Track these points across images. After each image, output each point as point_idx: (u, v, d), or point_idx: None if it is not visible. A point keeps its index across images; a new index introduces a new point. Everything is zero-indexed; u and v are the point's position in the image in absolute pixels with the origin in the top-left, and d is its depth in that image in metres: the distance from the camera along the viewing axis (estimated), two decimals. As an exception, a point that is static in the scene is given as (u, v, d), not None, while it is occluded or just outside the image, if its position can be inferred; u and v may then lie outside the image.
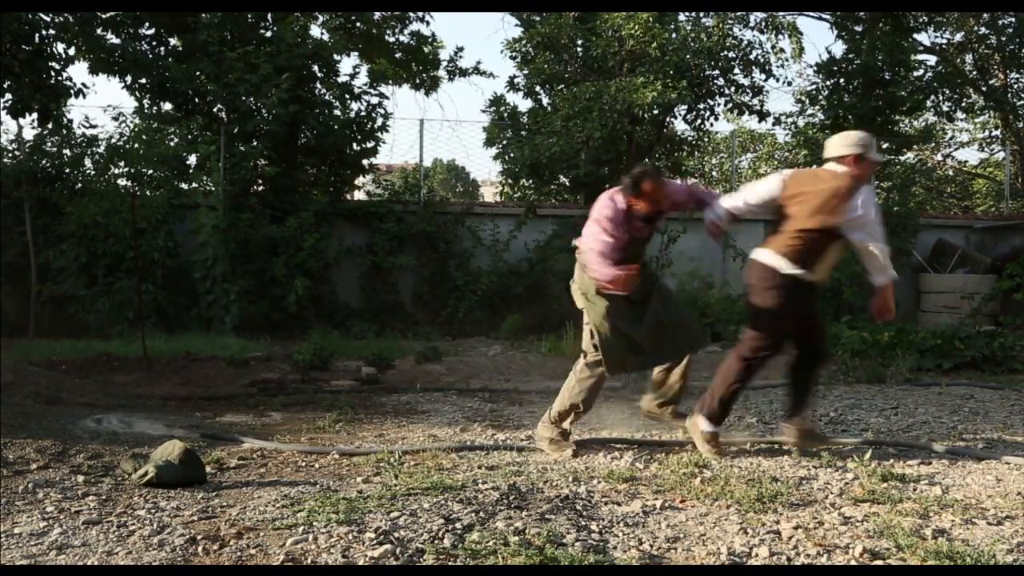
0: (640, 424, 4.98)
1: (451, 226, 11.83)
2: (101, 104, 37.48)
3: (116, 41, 11.78)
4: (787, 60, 19.92)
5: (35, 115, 9.80)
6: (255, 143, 11.35)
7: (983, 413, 5.71)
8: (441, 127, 35.88)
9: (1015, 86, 17.84)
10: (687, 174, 17.13)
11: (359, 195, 13.61)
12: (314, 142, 11.69)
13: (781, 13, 15.58)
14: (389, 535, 2.92)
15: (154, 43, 12.18)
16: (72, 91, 9.78)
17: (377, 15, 14.03)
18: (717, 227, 4.54)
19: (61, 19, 9.58)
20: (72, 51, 10.00)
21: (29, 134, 10.98)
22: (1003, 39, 16.67)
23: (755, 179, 22.51)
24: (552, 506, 3.35)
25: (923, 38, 17.32)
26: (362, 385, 6.83)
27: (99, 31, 11.42)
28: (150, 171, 11.05)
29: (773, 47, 16.46)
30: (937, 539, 2.96)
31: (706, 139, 16.45)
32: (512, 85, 13.30)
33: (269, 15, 12.09)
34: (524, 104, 14.17)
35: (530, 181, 14.21)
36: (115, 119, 11.15)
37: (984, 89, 17.68)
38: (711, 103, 7.16)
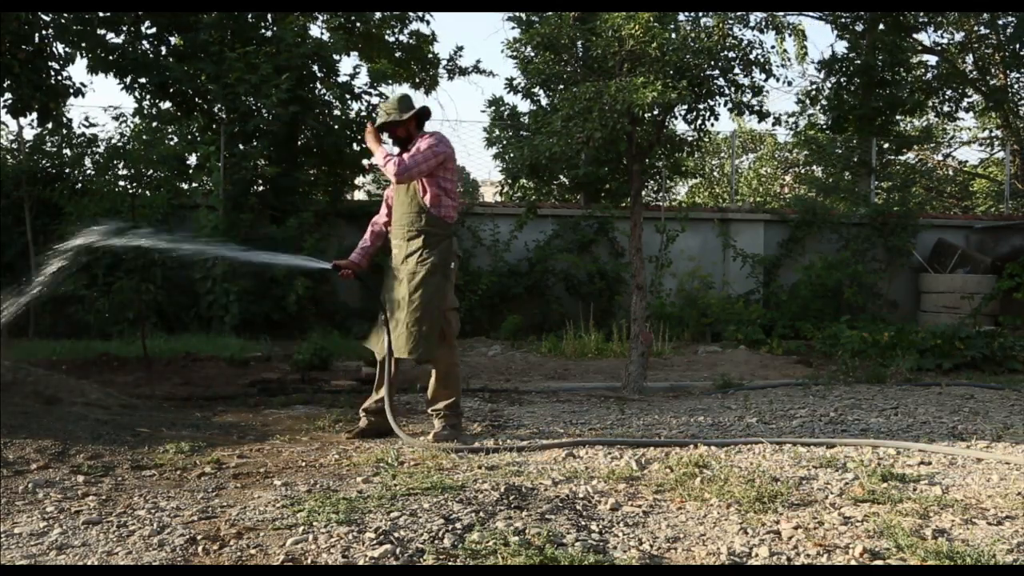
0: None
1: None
2: (101, 104, 37.47)
3: (117, 40, 11.78)
4: (789, 61, 19.90)
5: (35, 115, 9.82)
6: (255, 143, 11.33)
7: (983, 413, 5.71)
8: (441, 127, 35.81)
9: (1015, 86, 17.85)
10: (687, 174, 17.10)
11: (359, 195, 13.61)
12: (314, 142, 11.67)
13: (781, 13, 15.59)
14: (389, 535, 2.92)
15: (154, 42, 12.18)
16: (72, 91, 9.79)
17: (377, 15, 14.03)
18: None
19: (62, 19, 9.58)
20: (72, 50, 10.00)
21: (29, 134, 10.97)
22: (1003, 39, 16.68)
23: (755, 179, 22.54)
24: (552, 506, 3.34)
25: (923, 38, 17.34)
26: (362, 385, 6.82)
27: (99, 31, 11.42)
28: (150, 171, 11.03)
29: (776, 47, 16.44)
30: (937, 539, 2.96)
31: (706, 139, 16.48)
32: (512, 87, 13.31)
33: (269, 15, 12.09)
34: (524, 105, 14.17)
35: (530, 181, 14.23)
36: (115, 119, 11.14)
37: (984, 89, 17.68)
38: (711, 103, 7.13)
